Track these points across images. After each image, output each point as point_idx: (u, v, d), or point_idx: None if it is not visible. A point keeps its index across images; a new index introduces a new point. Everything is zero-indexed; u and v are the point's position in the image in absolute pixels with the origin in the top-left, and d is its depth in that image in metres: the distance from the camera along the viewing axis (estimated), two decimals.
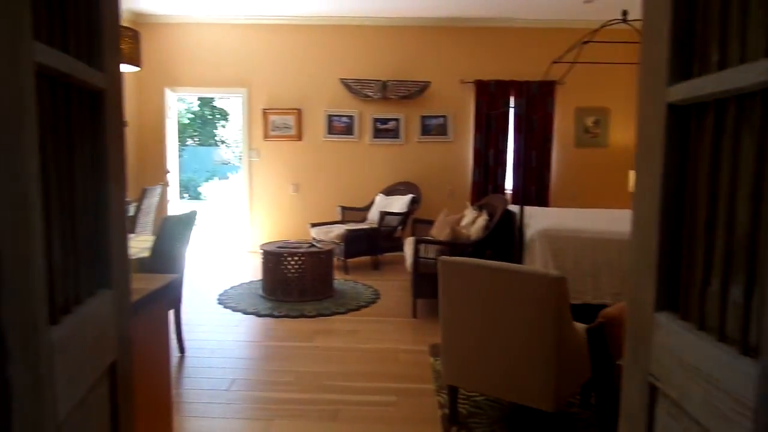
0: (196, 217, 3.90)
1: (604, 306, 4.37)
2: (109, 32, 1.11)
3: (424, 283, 4.73)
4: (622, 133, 7.63)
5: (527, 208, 5.10)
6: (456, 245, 4.73)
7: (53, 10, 0.90)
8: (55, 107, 0.89)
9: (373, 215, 7.01)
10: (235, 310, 5.06)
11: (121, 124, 1.20)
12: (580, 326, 2.85)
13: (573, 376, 2.76)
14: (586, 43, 4.89)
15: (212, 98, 16.31)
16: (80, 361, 0.96)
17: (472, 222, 5.26)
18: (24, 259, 0.73)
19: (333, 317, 4.89)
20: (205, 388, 3.42)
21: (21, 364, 0.73)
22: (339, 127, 7.69)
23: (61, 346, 0.86)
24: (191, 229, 3.85)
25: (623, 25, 4.62)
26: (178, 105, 8.87)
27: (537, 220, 4.86)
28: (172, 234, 3.55)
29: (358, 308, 5.13)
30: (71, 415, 0.91)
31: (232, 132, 18.11)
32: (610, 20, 4.73)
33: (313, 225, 6.86)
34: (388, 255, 6.91)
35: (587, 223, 4.77)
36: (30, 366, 0.74)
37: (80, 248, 1.00)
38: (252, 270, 6.55)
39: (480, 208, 5.47)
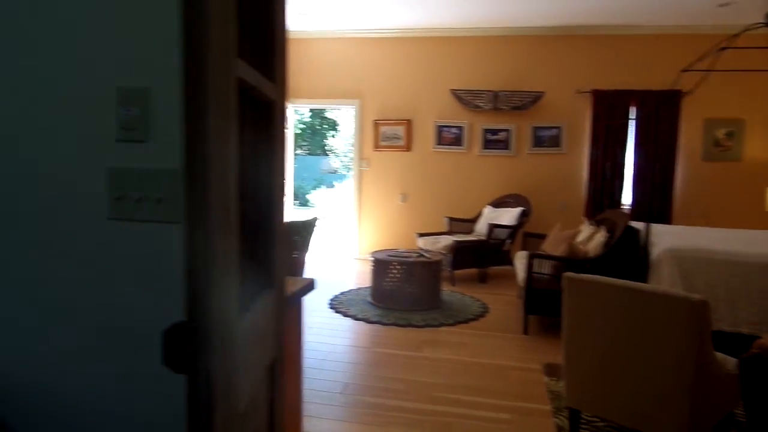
0: (316, 223, 4.04)
1: (740, 335, 4.01)
2: (280, 48, 1.18)
3: (538, 299, 4.58)
4: (759, 145, 6.97)
5: (652, 226, 4.79)
6: (573, 262, 4.54)
7: (244, 29, 0.97)
8: (244, 117, 0.96)
9: (481, 227, 6.92)
10: (345, 315, 5.18)
11: (284, 132, 1.27)
12: (720, 356, 2.62)
13: (710, 410, 2.54)
14: (723, 49, 4.53)
15: (323, 109, 16.95)
16: (253, 357, 1.02)
17: (590, 238, 5.03)
18: (226, 257, 0.78)
19: (441, 328, 4.87)
20: (319, 390, 3.52)
21: (219, 355, 0.78)
22: (448, 137, 7.68)
23: (243, 340, 0.92)
24: (311, 235, 3.99)
25: (762, 30, 4.24)
26: (293, 116, 9.27)
27: (663, 238, 4.56)
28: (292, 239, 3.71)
29: (466, 321, 5.07)
30: (246, 410, 0.97)
31: (341, 142, 18.70)
32: (754, 24, 4.35)
33: (421, 235, 6.89)
34: (496, 268, 6.78)
35: (720, 244, 4.39)
36: (226, 357, 0.80)
37: (255, 246, 1.06)
38: (360, 277, 6.68)
39: (598, 224, 5.22)
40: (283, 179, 1.27)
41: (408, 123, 7.74)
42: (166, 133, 1.19)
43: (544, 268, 4.63)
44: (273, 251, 1.18)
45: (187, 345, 0.71)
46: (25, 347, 1.30)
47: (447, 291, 5.98)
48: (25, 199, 1.27)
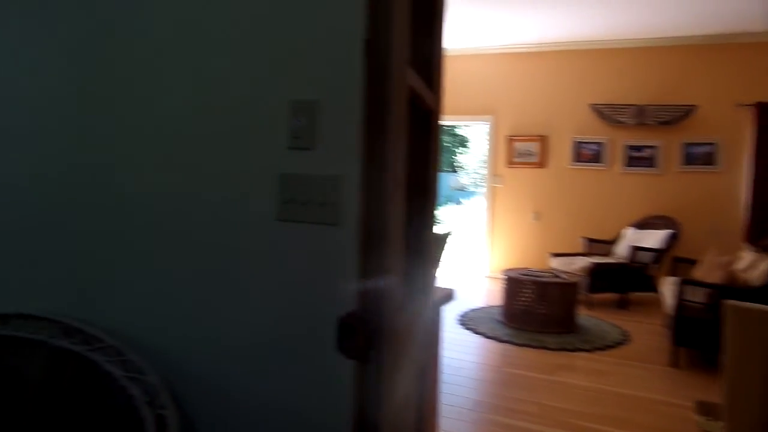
0: (449, 238, 4.05)
1: None
2: (438, 57, 1.23)
3: (689, 329, 4.20)
4: None
5: None
6: (731, 290, 4.10)
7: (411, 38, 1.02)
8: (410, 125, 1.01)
9: (621, 249, 6.50)
10: (475, 332, 5.12)
11: (440, 143, 1.31)
12: None
13: None
14: None
15: (453, 126, 17.04)
16: (409, 355, 1.05)
17: (751, 266, 4.52)
18: (395, 255, 0.83)
19: (576, 353, 4.63)
20: (450, 404, 3.51)
21: (387, 346, 0.82)
22: (587, 154, 7.35)
23: (402, 337, 0.96)
24: (443, 250, 4.01)
25: None
26: None
27: None
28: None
29: (604, 348, 4.78)
30: (401, 407, 1.00)
31: (471, 158, 18.63)
32: None
33: (555, 255, 6.63)
34: (638, 294, 6.32)
35: None
36: (391, 349, 0.83)
37: (413, 246, 1.10)
38: (490, 295, 6.58)
39: (764, 249, 4.67)
40: (437, 188, 1.31)
41: (543, 139, 7.53)
42: (331, 141, 1.28)
43: (697, 296, 4.23)
44: (425, 258, 1.22)
45: (359, 333, 0.76)
46: (206, 338, 1.45)
47: (583, 315, 5.68)
48: (206, 201, 1.44)
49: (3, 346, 1.76)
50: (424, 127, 1.17)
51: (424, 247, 1.21)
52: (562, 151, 7.48)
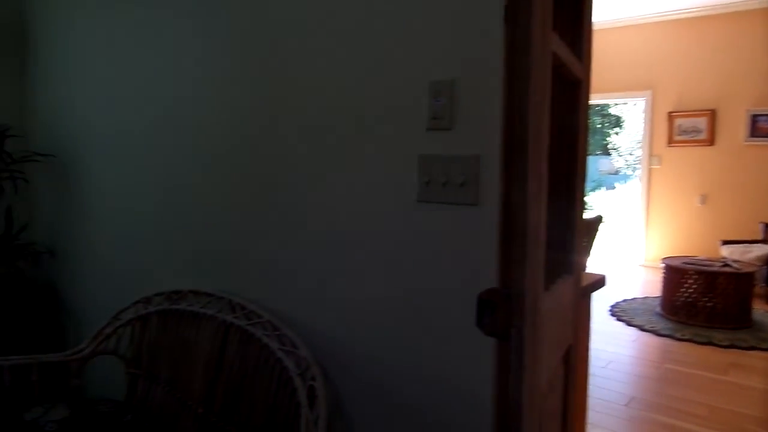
0: (601, 223, 3.80)
1: None
2: (587, 23, 1.14)
3: None
4: None
5: None
6: None
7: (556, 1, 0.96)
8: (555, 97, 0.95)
9: None
10: (629, 324, 4.77)
11: (587, 115, 1.22)
12: None
13: None
14: None
15: (605, 105, 15.92)
16: (552, 337, 1.00)
17: None
18: (537, 230, 0.79)
19: (751, 352, 4.12)
20: (600, 398, 3.31)
21: (529, 323, 0.78)
22: (765, 128, 6.45)
23: (546, 317, 0.91)
24: (594, 236, 3.78)
25: None
26: None
27: None
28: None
29: None
30: (545, 390, 0.96)
31: (625, 139, 17.31)
32: None
33: (726, 242, 5.94)
34: None
35: None
36: (534, 327, 0.80)
37: (555, 229, 1.05)
38: (646, 285, 6.08)
39: None
40: (585, 164, 1.23)
41: (711, 113, 6.74)
42: (469, 121, 1.25)
43: None
44: (573, 237, 1.15)
45: (500, 309, 0.74)
46: (350, 315, 1.52)
47: (760, 310, 5.03)
48: (351, 184, 1.49)
49: (179, 318, 1.99)
50: (571, 100, 1.10)
51: (571, 229, 1.14)
52: (734, 126, 6.64)
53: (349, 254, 1.51)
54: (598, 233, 3.81)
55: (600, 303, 5.39)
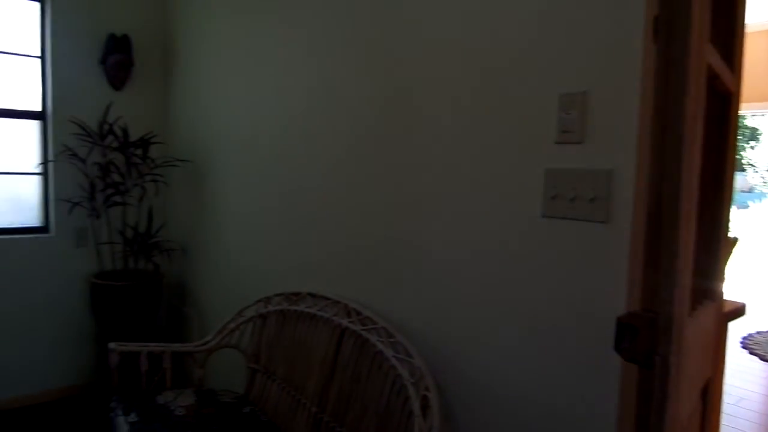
0: (736, 244, 3.48)
1: None
2: (740, 30, 1.06)
3: None
4: None
5: None
6: None
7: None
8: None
9: None
10: (763, 359, 4.32)
11: (737, 132, 1.13)
12: None
13: None
14: None
15: (740, 116, 14.57)
16: (693, 368, 0.93)
17: None
18: (686, 250, 0.74)
19: None
20: None
21: (674, 351, 0.73)
22: None
23: (688, 345, 0.85)
24: (728, 259, 3.46)
25: None
26: None
27: None
28: None
29: None
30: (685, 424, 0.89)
31: (762, 154, 15.74)
32: None
33: None
34: None
35: None
36: (679, 355, 0.75)
37: (701, 250, 0.97)
38: None
39: None
40: (732, 183, 1.13)
41: None
42: (602, 134, 1.20)
43: None
44: (716, 260, 1.06)
45: (643, 334, 0.70)
46: (468, 330, 1.50)
47: None
48: (475, 200, 1.48)
49: (297, 319, 2.08)
50: (721, 114, 1.02)
51: (714, 252, 1.06)
52: None
53: (468, 269, 1.50)
54: (731, 256, 3.49)
55: (731, 333, 4.93)
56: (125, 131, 2.93)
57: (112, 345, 2.09)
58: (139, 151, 2.97)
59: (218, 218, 2.81)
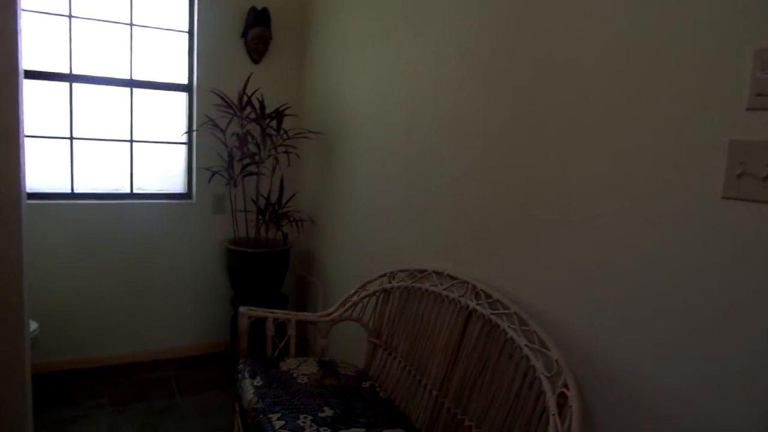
0: None
1: None
2: None
3: None
4: None
5: None
6: None
7: None
8: None
9: None
10: None
11: None
12: None
13: None
14: None
15: None
16: None
17: None
18: None
19: None
20: None
21: None
22: None
23: None
24: None
25: None
26: None
27: None
28: None
29: None
30: None
31: None
32: None
33: None
34: None
35: None
36: None
37: None
38: None
39: None
40: None
41: None
42: None
43: None
44: None
45: None
46: (624, 329, 1.32)
47: None
48: (639, 181, 1.29)
49: (421, 297, 2.00)
50: None
51: None
52: None
53: (621, 255, 1.31)
54: None
55: None
56: (262, 103, 3.01)
57: (242, 309, 2.16)
58: (273, 123, 3.04)
59: (346, 192, 2.81)
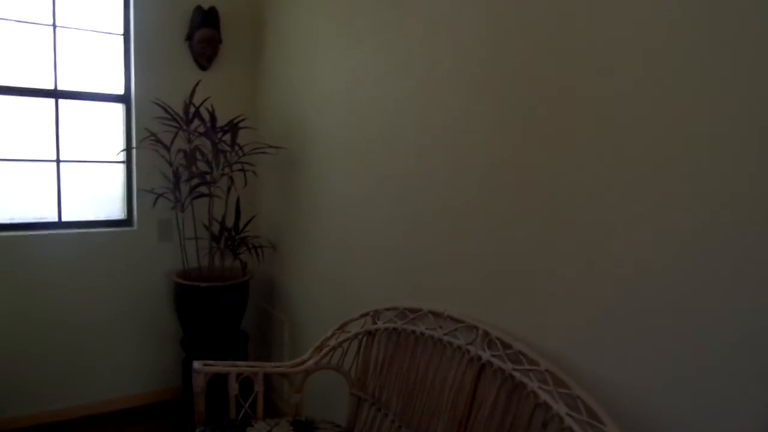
0: None
1: None
2: None
3: None
4: None
5: None
6: None
7: None
8: None
9: None
10: None
11: None
12: None
13: None
14: None
15: None
16: None
17: None
18: None
19: None
20: None
21: None
22: None
23: None
24: None
25: None
26: None
27: None
28: None
29: None
30: None
31: None
32: None
33: None
34: None
35: None
36: None
37: None
38: None
39: None
40: None
41: None
42: None
43: None
44: None
45: None
46: (657, 365, 1.03)
47: None
48: (680, 191, 1.00)
49: (415, 342, 1.67)
50: None
51: None
52: None
53: (684, 290, 1.03)
54: None
55: None
56: (212, 114, 2.62)
57: (196, 365, 1.77)
58: (227, 137, 2.66)
59: (316, 213, 2.45)
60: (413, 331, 1.71)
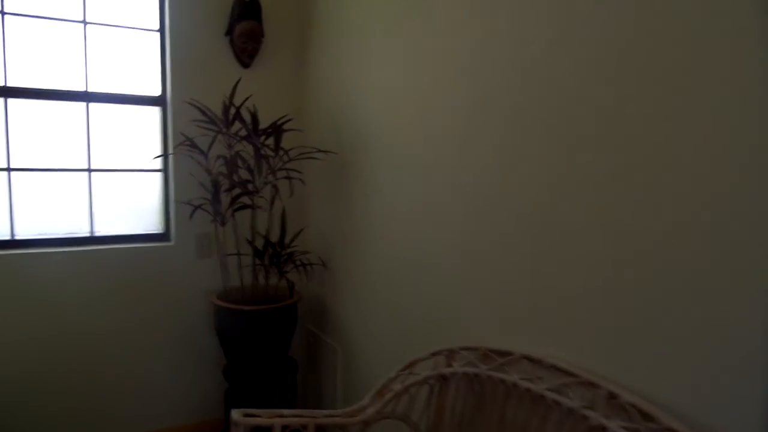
0: None
1: None
2: None
3: None
4: None
5: None
6: None
7: None
8: None
9: None
10: None
11: None
12: None
13: None
14: None
15: None
16: None
17: None
18: None
19: None
20: None
21: None
22: None
23: None
24: None
25: None
26: None
27: None
28: None
29: None
30: None
31: None
32: None
33: None
34: None
35: None
36: None
37: None
38: None
39: None
40: None
41: None
42: None
43: None
44: None
45: None
46: None
47: None
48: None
49: (506, 394, 1.30)
50: None
51: None
52: None
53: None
54: None
55: None
56: (254, 116, 2.33)
57: (235, 416, 1.46)
58: (270, 141, 2.36)
59: (373, 227, 2.11)
60: (502, 380, 1.35)
